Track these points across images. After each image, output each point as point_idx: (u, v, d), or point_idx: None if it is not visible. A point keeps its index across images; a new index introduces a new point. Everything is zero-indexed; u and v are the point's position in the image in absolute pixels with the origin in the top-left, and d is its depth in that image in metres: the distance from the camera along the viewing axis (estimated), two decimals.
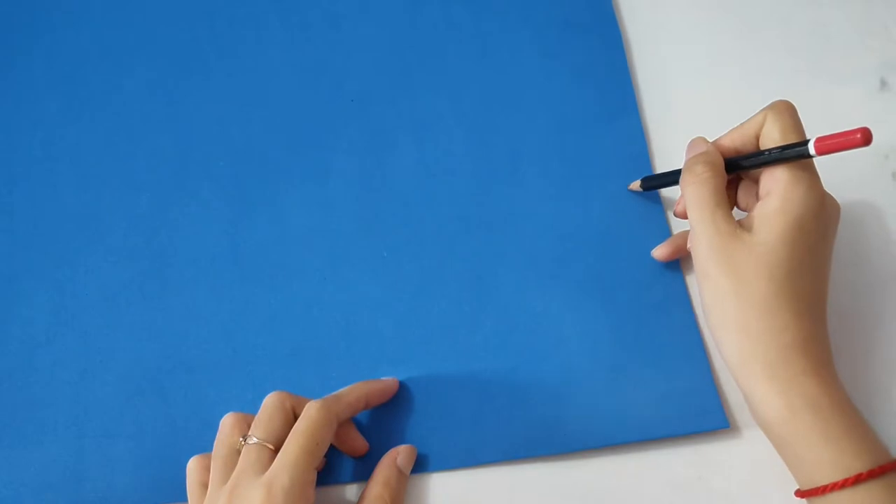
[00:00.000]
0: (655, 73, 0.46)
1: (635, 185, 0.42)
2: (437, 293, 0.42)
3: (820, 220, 0.34)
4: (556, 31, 0.48)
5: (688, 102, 0.45)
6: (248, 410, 0.37)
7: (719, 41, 0.47)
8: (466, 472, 0.38)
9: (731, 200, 0.38)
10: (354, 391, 0.37)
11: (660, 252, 0.41)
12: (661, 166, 0.44)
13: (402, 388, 0.40)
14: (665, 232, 0.42)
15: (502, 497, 0.37)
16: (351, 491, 0.38)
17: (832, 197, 0.35)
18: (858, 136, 0.31)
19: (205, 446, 0.36)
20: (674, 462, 0.37)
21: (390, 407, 0.39)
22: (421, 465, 0.38)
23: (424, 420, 0.39)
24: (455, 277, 0.42)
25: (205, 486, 0.35)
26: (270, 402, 0.36)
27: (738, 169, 0.36)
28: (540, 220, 0.43)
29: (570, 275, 0.41)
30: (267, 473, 0.33)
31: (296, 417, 0.35)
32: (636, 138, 0.44)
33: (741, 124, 0.37)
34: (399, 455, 0.37)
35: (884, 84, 0.45)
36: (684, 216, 0.39)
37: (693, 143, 0.38)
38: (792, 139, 0.34)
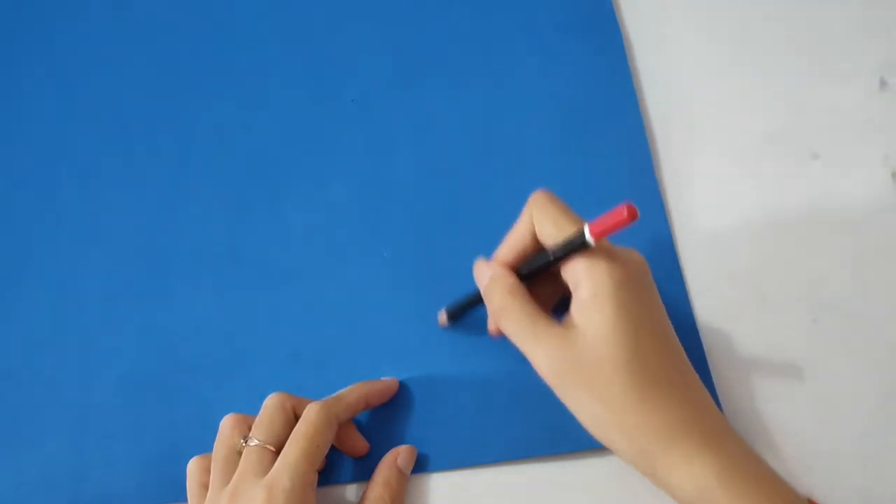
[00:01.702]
0: (656, 73, 0.46)
1: (442, 318, 0.40)
2: (437, 293, 0.41)
3: (634, 287, 0.32)
4: (556, 32, 0.48)
5: (689, 103, 0.45)
6: (249, 411, 0.37)
7: (719, 41, 0.47)
8: (466, 472, 0.38)
9: (547, 299, 0.37)
10: (354, 392, 0.37)
11: (491, 328, 0.38)
12: (662, 166, 0.44)
13: (402, 388, 0.40)
14: (666, 234, 0.42)
15: (502, 497, 0.37)
16: (351, 491, 0.38)
17: (632, 252, 0.34)
18: (625, 213, 0.29)
19: (205, 447, 0.37)
20: None
21: (390, 407, 0.39)
22: (421, 465, 0.38)
23: (424, 420, 0.39)
24: (456, 277, 0.42)
25: (205, 486, 0.35)
26: (271, 404, 0.36)
27: (533, 277, 0.35)
28: None
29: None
30: (268, 475, 0.33)
31: (296, 418, 0.36)
32: (637, 139, 0.44)
33: (512, 230, 0.35)
34: (399, 455, 0.37)
35: (884, 84, 0.45)
36: (499, 334, 0.36)
37: (477, 270, 0.36)
38: (565, 226, 0.33)
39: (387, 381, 0.39)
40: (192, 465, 0.36)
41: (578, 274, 0.32)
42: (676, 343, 0.34)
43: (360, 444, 0.38)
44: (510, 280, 0.35)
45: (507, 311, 0.34)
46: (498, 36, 0.48)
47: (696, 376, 0.34)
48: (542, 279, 0.36)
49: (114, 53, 0.51)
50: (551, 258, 0.33)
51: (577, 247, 0.32)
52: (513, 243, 0.35)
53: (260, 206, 0.45)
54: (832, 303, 0.40)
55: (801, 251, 0.41)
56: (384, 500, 0.35)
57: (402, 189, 0.44)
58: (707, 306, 0.40)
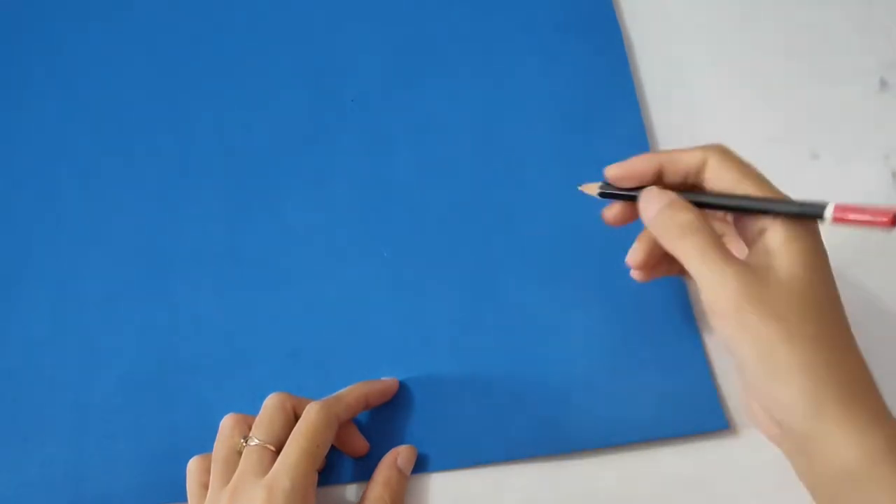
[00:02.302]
0: (657, 73, 0.46)
1: (592, 187, 0.37)
2: (437, 293, 0.41)
3: (822, 242, 0.31)
4: (556, 32, 0.48)
5: (689, 103, 0.45)
6: (248, 411, 0.37)
7: (720, 42, 0.47)
8: (466, 472, 0.38)
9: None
10: (354, 392, 0.37)
11: (636, 259, 0.36)
12: None
13: (402, 388, 0.40)
14: None
15: (502, 497, 0.37)
16: (351, 491, 0.38)
17: None
18: (886, 218, 0.27)
19: (205, 447, 0.36)
20: (673, 462, 0.37)
21: (390, 407, 0.39)
22: (421, 465, 0.38)
23: (424, 420, 0.39)
24: (455, 277, 0.42)
25: (205, 486, 0.35)
26: (271, 404, 0.36)
27: (706, 208, 0.33)
28: (540, 221, 0.43)
29: (570, 275, 0.41)
30: (268, 475, 0.33)
31: (296, 418, 0.35)
32: (638, 139, 0.44)
33: (668, 155, 0.34)
34: (399, 455, 0.37)
35: (884, 84, 0.45)
36: (617, 222, 0.36)
37: (648, 195, 0.34)
38: (747, 187, 0.32)
39: (387, 381, 0.39)
40: (192, 465, 0.36)
41: (769, 220, 0.31)
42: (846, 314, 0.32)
43: (360, 444, 0.38)
44: (692, 206, 0.32)
45: (699, 229, 0.31)
46: (498, 36, 0.48)
47: None
48: None
49: (114, 53, 0.51)
50: (772, 205, 0.31)
51: (808, 213, 0.30)
52: (668, 163, 0.33)
53: (260, 206, 0.45)
54: None
55: None
56: (384, 500, 0.35)
57: (401, 189, 0.44)
58: None
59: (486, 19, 0.49)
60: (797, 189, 0.42)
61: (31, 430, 0.41)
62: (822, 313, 0.30)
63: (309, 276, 0.43)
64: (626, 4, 0.49)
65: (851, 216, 0.29)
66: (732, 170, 0.32)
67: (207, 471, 0.35)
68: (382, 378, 0.40)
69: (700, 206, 0.33)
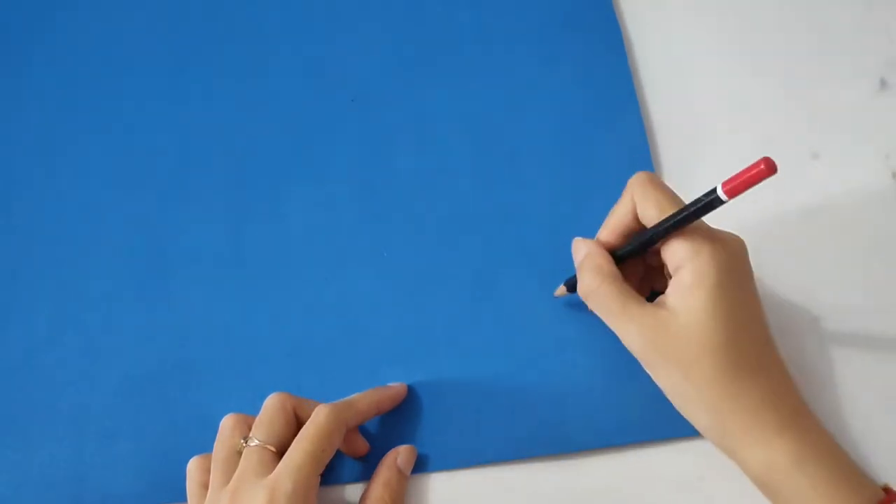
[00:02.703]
0: (656, 72, 0.46)
1: (561, 290, 0.40)
2: (437, 293, 0.41)
3: (734, 270, 0.33)
4: (556, 31, 0.48)
5: (689, 102, 0.45)
6: (249, 411, 0.37)
7: (719, 41, 0.47)
8: (466, 472, 0.38)
9: (640, 277, 0.38)
10: (366, 398, 0.37)
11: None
12: (662, 166, 0.44)
13: None
14: None
15: (503, 497, 0.37)
16: (351, 491, 0.38)
17: (731, 234, 0.34)
18: (762, 166, 0.28)
19: (205, 446, 0.37)
20: (675, 463, 0.37)
21: None
22: (421, 465, 0.38)
23: (425, 420, 0.39)
24: (455, 278, 0.42)
25: (205, 486, 0.35)
26: (271, 404, 0.36)
27: (632, 255, 0.35)
28: (540, 221, 0.43)
29: (570, 275, 0.41)
30: (270, 476, 0.33)
31: (297, 419, 0.36)
32: (637, 138, 0.44)
33: (612, 211, 0.36)
34: (399, 455, 0.37)
35: (884, 84, 0.45)
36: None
37: (574, 246, 0.37)
38: (667, 209, 0.33)
39: (396, 388, 0.39)
40: (192, 465, 0.36)
41: (681, 257, 0.32)
42: (765, 324, 0.34)
43: (360, 444, 0.38)
44: (600, 259, 0.35)
45: (595, 292, 0.35)
46: (498, 36, 0.48)
47: (780, 356, 0.35)
48: (634, 261, 0.36)
49: (115, 52, 0.51)
50: (664, 225, 0.32)
51: (703, 208, 0.31)
52: (614, 224, 0.36)
53: (260, 205, 0.45)
54: (832, 303, 0.40)
55: (801, 251, 0.41)
56: (384, 501, 0.35)
57: (401, 189, 0.44)
58: None
59: (486, 19, 0.49)
60: (797, 189, 0.43)
61: (31, 430, 0.41)
62: (719, 354, 0.32)
63: (309, 276, 0.43)
64: (626, 4, 0.49)
65: (740, 184, 0.29)
66: (650, 206, 0.34)
67: (207, 471, 0.35)
68: (391, 384, 0.39)
69: (623, 255, 0.36)
